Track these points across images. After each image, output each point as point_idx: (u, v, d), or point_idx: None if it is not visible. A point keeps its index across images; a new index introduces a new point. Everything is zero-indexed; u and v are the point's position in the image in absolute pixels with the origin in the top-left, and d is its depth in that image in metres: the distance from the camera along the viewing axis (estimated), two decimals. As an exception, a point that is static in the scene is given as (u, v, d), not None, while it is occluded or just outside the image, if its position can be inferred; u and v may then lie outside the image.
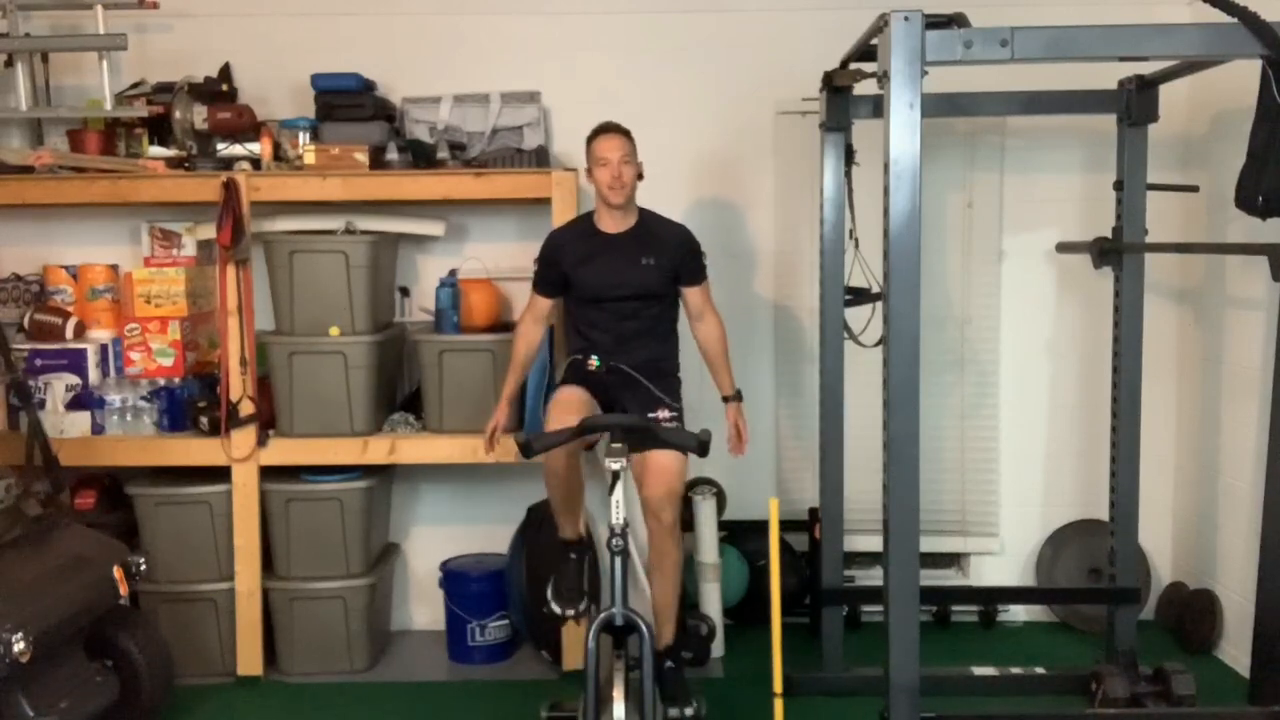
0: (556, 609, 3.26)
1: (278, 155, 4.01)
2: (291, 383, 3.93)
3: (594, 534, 3.76)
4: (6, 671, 2.91)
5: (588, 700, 2.88)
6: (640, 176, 3.49)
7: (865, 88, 3.44)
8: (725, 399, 3.64)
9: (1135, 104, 3.65)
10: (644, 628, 2.85)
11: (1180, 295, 4.35)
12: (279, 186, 3.91)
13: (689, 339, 3.66)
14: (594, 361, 3.50)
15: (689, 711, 3.36)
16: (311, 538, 3.99)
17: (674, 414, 3.47)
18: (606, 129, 3.47)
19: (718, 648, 4.11)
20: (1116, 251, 3.74)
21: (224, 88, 4.13)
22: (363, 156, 3.91)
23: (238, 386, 3.91)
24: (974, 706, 3.59)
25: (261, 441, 3.94)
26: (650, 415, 3.39)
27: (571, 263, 3.51)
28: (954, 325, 4.41)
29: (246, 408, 3.91)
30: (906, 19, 2.55)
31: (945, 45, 2.58)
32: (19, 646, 2.91)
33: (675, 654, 3.49)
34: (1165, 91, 3.66)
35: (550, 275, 3.55)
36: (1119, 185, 3.73)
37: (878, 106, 3.18)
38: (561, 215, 3.81)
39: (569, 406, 3.33)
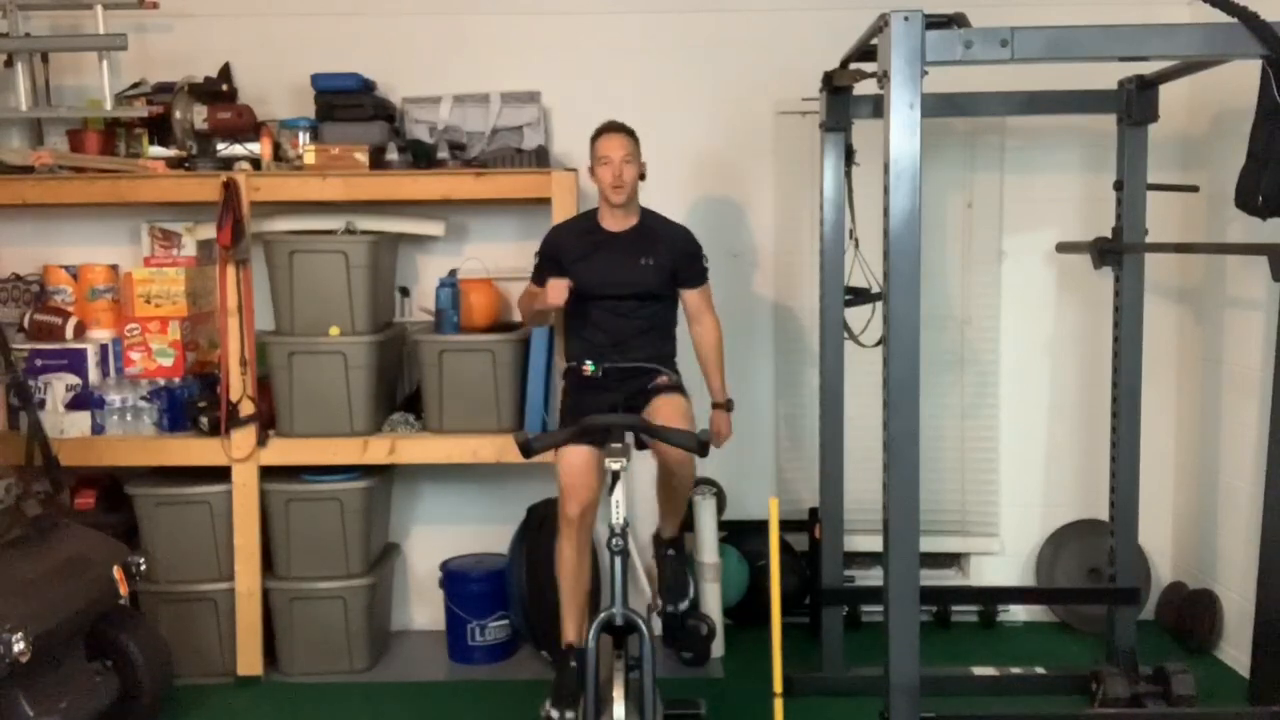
0: (554, 714, 3.29)
1: (278, 155, 4.01)
2: (291, 383, 3.93)
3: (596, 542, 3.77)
4: (6, 671, 2.91)
5: (588, 700, 2.88)
6: (642, 176, 3.51)
7: (865, 88, 3.43)
8: (715, 405, 3.67)
9: (1135, 104, 3.65)
10: (644, 628, 2.85)
11: (1180, 295, 4.35)
12: (279, 186, 3.91)
13: (687, 341, 3.66)
14: (588, 367, 3.50)
15: (684, 605, 3.65)
16: (311, 538, 3.99)
17: (673, 380, 3.52)
18: (610, 128, 3.49)
19: (718, 648, 4.11)
20: (1116, 251, 3.74)
21: (224, 88, 4.13)
22: (363, 156, 3.91)
23: (238, 386, 3.91)
24: (974, 706, 3.59)
25: (261, 441, 3.94)
26: (651, 385, 3.47)
27: (571, 259, 3.52)
28: (954, 325, 4.41)
29: (246, 408, 3.91)
30: (906, 19, 2.55)
31: (945, 45, 2.58)
32: (19, 646, 2.90)
33: (677, 545, 3.72)
34: (1165, 91, 3.66)
35: (549, 269, 3.56)
36: (1119, 185, 3.72)
37: (878, 106, 3.18)
38: (561, 215, 3.81)
39: (578, 470, 3.33)
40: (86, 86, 4.18)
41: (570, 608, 3.44)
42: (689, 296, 3.59)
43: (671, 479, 3.50)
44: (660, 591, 3.73)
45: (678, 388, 3.53)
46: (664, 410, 3.38)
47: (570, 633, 3.45)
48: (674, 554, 3.71)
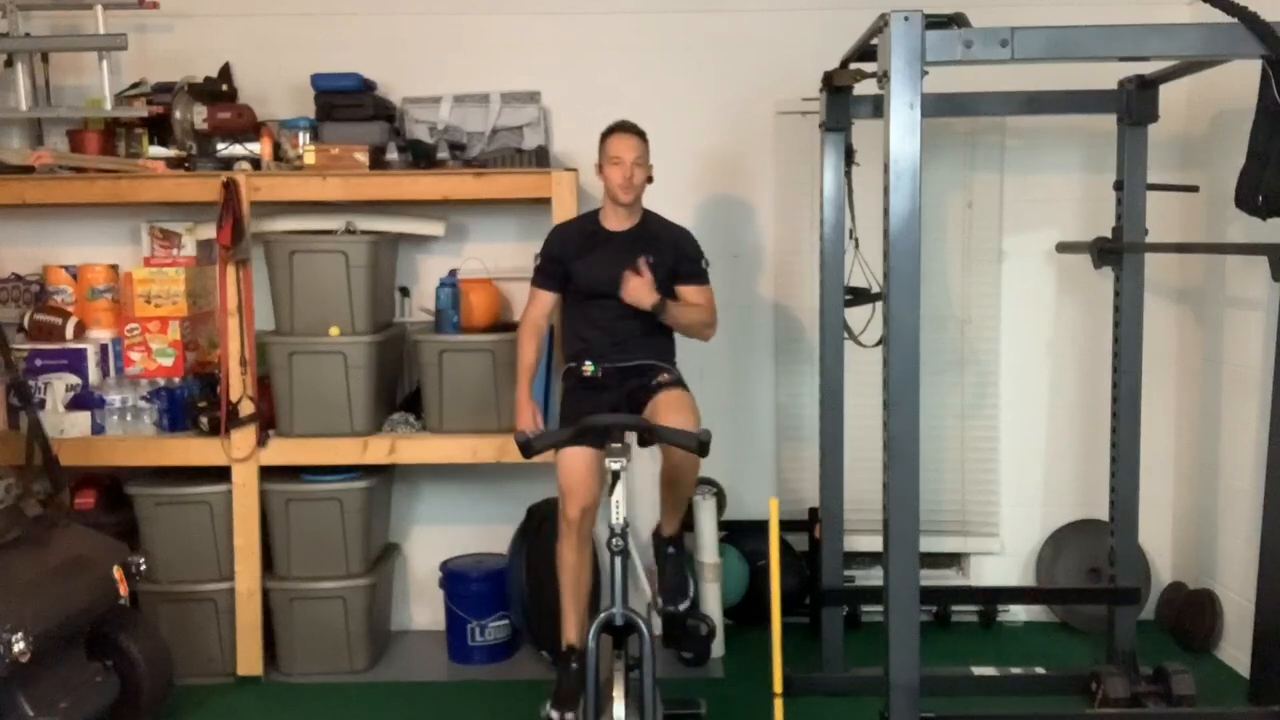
0: (554, 715, 3.29)
1: (278, 155, 4.01)
2: (291, 383, 3.93)
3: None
4: (6, 671, 2.91)
5: (588, 700, 2.88)
6: (650, 179, 3.51)
7: (865, 88, 3.43)
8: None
9: (1135, 104, 3.65)
10: (644, 628, 2.85)
11: (1180, 295, 4.35)
12: (279, 186, 3.91)
13: (686, 345, 3.66)
14: (588, 367, 3.51)
15: (684, 605, 3.64)
16: (311, 538, 3.99)
17: (674, 376, 3.52)
18: (623, 128, 3.49)
19: (718, 648, 4.11)
20: (1116, 251, 3.74)
21: (224, 88, 4.13)
22: (363, 156, 3.91)
23: (238, 386, 3.91)
24: (974, 706, 3.58)
25: (261, 441, 3.94)
26: (654, 382, 3.46)
27: (572, 256, 3.53)
28: (954, 325, 4.41)
29: (246, 408, 3.91)
30: (906, 19, 2.55)
31: (945, 45, 2.58)
32: (19, 646, 2.91)
33: (678, 543, 3.71)
34: (1165, 91, 3.66)
35: (552, 269, 3.56)
36: (1119, 185, 3.72)
37: (878, 106, 3.18)
38: (561, 215, 3.81)
39: (578, 472, 3.31)
40: (86, 86, 4.18)
41: (571, 608, 3.44)
42: (687, 293, 3.56)
43: (676, 475, 3.50)
44: (660, 591, 3.73)
45: (679, 382, 3.52)
46: (667, 404, 3.37)
47: (571, 633, 3.44)
48: (674, 553, 3.71)
